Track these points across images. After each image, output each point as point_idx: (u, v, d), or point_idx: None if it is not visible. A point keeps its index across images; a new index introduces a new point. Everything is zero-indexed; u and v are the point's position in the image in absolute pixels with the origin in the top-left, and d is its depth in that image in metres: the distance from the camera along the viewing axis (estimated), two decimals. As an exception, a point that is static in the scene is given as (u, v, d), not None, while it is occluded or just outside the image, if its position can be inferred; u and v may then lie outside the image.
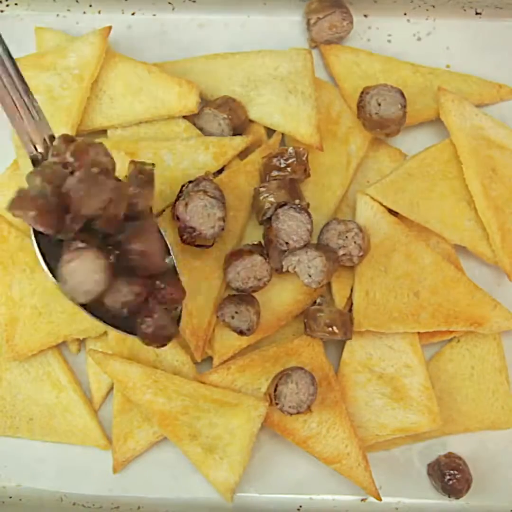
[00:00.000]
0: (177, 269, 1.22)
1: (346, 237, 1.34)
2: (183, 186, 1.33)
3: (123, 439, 1.37)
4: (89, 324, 1.37)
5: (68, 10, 1.53)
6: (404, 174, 1.41)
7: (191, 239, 1.30)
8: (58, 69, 1.42)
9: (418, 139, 1.49)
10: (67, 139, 1.09)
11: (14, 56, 1.44)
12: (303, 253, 1.30)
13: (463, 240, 1.41)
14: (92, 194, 1.02)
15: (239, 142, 1.40)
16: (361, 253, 1.34)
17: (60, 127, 1.37)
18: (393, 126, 1.38)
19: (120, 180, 1.10)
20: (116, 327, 1.15)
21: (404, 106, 1.38)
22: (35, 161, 1.18)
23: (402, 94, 1.38)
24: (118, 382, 1.34)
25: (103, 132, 1.44)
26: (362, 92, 1.40)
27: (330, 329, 1.32)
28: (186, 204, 1.29)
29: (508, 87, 1.51)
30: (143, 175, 1.16)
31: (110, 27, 1.44)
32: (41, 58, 1.43)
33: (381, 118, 1.37)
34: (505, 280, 1.44)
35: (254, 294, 1.33)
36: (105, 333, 1.38)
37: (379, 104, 1.37)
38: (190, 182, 1.33)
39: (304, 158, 1.36)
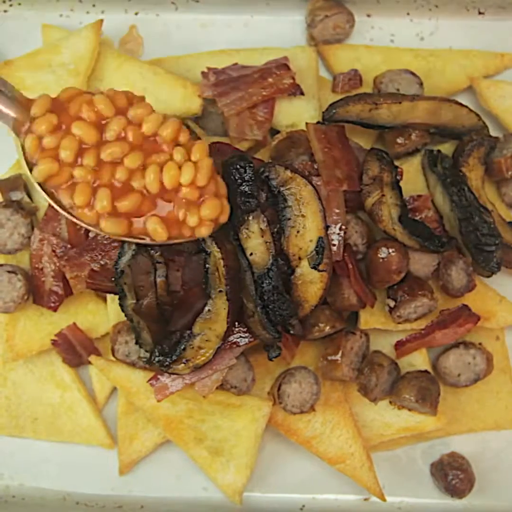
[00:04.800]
0: None
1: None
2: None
3: (128, 440, 1.37)
4: (90, 325, 1.37)
5: (72, 10, 1.53)
6: (415, 167, 1.42)
7: None
8: (53, 66, 1.42)
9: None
10: None
11: (16, 55, 1.46)
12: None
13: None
14: None
15: (242, 143, 1.40)
16: (365, 241, 1.32)
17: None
18: None
19: None
20: None
21: (422, 83, 1.40)
22: None
23: (413, 73, 1.40)
24: (122, 388, 1.34)
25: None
26: (374, 81, 1.43)
27: (317, 328, 1.31)
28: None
29: (511, 54, 1.52)
30: None
31: (102, 20, 1.44)
32: (35, 57, 1.44)
33: None
34: (507, 279, 1.44)
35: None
36: (107, 334, 1.38)
37: (398, 89, 1.39)
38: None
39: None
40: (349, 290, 1.30)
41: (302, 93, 1.40)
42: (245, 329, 1.26)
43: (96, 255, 1.26)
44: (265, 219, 1.23)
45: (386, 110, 1.34)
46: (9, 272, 1.33)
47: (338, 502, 1.42)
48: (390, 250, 1.29)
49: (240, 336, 1.26)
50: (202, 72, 1.41)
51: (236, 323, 1.25)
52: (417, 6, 1.53)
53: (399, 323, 1.33)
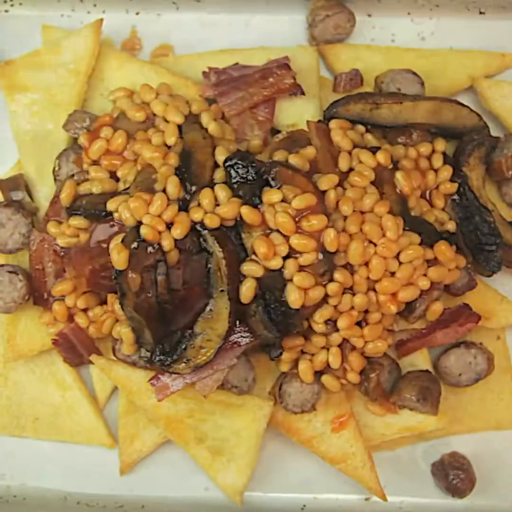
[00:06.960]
0: None
1: None
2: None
3: (129, 440, 1.37)
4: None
5: (73, 10, 1.53)
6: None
7: None
8: (54, 66, 1.43)
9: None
10: None
11: (18, 55, 1.46)
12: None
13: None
14: None
15: (244, 144, 1.40)
16: None
17: (61, 122, 1.38)
18: None
19: None
20: None
21: (423, 83, 1.41)
22: None
23: (414, 73, 1.41)
24: (122, 388, 1.34)
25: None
26: (376, 81, 1.43)
27: None
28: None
29: None
30: None
31: (101, 20, 1.45)
32: (36, 56, 1.44)
33: None
34: (508, 279, 1.44)
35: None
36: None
37: (399, 89, 1.39)
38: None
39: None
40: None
41: (303, 93, 1.40)
42: (246, 329, 1.26)
43: (96, 254, 1.26)
44: (266, 218, 1.23)
45: (387, 109, 1.35)
46: (10, 272, 1.33)
47: (339, 502, 1.42)
48: None
49: (241, 336, 1.26)
50: (203, 72, 1.42)
51: (238, 323, 1.25)
52: (418, 6, 1.53)
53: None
